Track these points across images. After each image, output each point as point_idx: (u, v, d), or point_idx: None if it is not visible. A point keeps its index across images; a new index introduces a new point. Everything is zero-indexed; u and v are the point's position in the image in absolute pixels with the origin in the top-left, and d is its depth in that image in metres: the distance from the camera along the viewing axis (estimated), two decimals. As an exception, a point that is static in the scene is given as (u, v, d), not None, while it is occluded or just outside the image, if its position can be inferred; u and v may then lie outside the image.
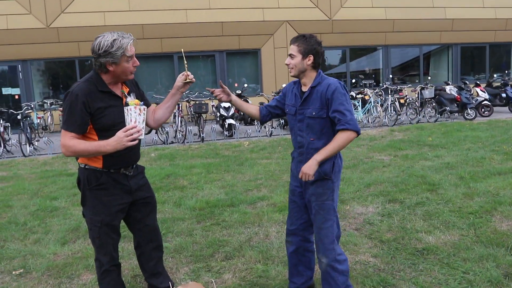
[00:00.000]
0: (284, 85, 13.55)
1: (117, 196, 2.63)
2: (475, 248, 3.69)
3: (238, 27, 15.52)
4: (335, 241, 2.82)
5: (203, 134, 10.48)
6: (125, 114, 2.51)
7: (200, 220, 4.75)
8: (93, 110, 2.47)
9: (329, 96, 2.70)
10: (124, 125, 2.50)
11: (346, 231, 4.23)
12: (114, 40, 2.43)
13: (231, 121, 11.01)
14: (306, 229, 2.96)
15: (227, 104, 11.40)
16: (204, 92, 14.81)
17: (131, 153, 2.64)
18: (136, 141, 2.45)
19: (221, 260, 3.72)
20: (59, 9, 14.25)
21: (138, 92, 2.78)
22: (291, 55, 2.77)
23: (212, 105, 13.62)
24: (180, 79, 2.81)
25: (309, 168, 2.64)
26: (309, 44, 2.74)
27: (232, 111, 11.36)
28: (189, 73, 2.83)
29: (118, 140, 2.39)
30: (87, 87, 2.50)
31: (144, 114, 2.52)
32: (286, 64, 2.81)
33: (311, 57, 2.75)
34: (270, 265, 3.57)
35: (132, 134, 2.40)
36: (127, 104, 2.54)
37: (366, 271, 3.41)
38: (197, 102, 11.28)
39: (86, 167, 2.60)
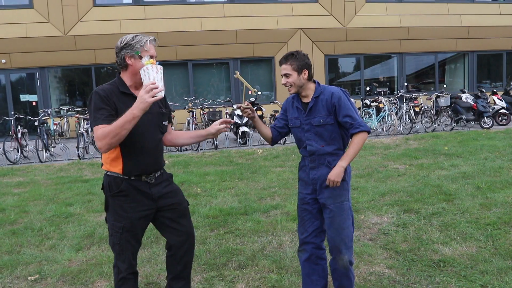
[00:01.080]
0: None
1: (139, 203, 2.63)
2: (493, 260, 3.62)
3: (252, 35, 15.59)
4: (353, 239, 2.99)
5: (217, 141, 10.51)
6: (142, 74, 2.47)
7: (214, 228, 4.75)
8: (114, 107, 2.51)
9: (336, 103, 2.84)
10: (143, 129, 2.53)
11: (360, 241, 4.18)
12: (136, 35, 2.60)
13: (245, 128, 11.03)
14: (318, 236, 3.00)
15: (240, 112, 11.42)
16: (218, 100, 14.89)
17: (151, 160, 2.64)
18: (159, 97, 2.41)
19: (235, 269, 3.71)
20: (77, 17, 14.50)
21: (164, 101, 2.80)
22: (286, 75, 2.86)
23: (226, 113, 13.65)
24: (216, 127, 2.82)
25: (337, 175, 2.77)
26: (301, 60, 2.86)
27: (245, 118, 11.36)
28: (246, 102, 2.90)
29: (140, 100, 2.36)
30: (108, 88, 2.58)
31: (161, 72, 2.49)
32: (283, 84, 2.90)
33: (306, 71, 2.88)
34: (283, 274, 3.55)
35: (152, 90, 2.37)
36: (142, 65, 2.53)
37: (381, 282, 3.37)
38: (211, 110, 11.35)
39: (108, 173, 2.63)
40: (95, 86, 15.35)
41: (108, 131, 2.38)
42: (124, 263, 2.67)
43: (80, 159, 9.73)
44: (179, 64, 15.69)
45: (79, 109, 14.45)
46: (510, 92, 15.28)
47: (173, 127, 2.95)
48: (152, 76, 2.44)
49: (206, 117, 12.20)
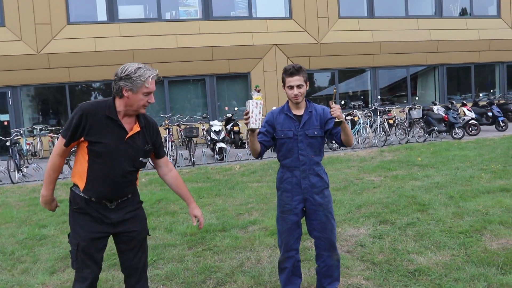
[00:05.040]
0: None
1: (94, 224, 2.56)
2: (466, 268, 3.70)
3: (228, 51, 15.72)
4: None
5: (194, 158, 10.47)
6: (249, 105, 2.84)
7: (192, 246, 4.71)
8: (88, 130, 2.46)
9: (328, 115, 3.14)
10: (114, 157, 2.52)
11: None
12: (139, 68, 2.49)
13: (222, 144, 11.03)
14: (299, 242, 3.28)
15: (217, 128, 11.44)
16: (195, 116, 14.88)
17: (112, 189, 2.55)
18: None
19: (213, 287, 3.68)
20: (50, 35, 14.35)
21: (156, 139, 2.73)
22: (299, 86, 3.05)
23: (203, 129, 13.66)
24: (194, 213, 2.88)
25: (341, 111, 2.96)
26: (306, 73, 3.12)
27: (222, 134, 11.39)
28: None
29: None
30: (94, 107, 2.50)
31: (260, 107, 2.86)
32: (295, 95, 3.06)
33: (308, 83, 3.17)
34: (262, 290, 3.54)
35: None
36: (251, 97, 2.90)
37: (358, 294, 3.40)
38: (187, 126, 11.32)
39: (73, 188, 2.60)
40: (69, 105, 15.15)
41: (47, 167, 2.57)
42: (81, 284, 2.56)
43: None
44: (155, 81, 15.61)
45: (53, 128, 14.20)
46: (479, 103, 15.79)
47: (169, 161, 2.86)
48: (251, 109, 2.83)
49: (183, 133, 12.16)
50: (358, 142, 12.29)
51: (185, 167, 10.32)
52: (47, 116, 15.85)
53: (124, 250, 2.70)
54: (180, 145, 14.07)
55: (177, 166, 10.32)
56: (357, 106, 14.35)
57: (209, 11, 15.76)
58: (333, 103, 2.95)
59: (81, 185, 2.54)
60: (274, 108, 3.30)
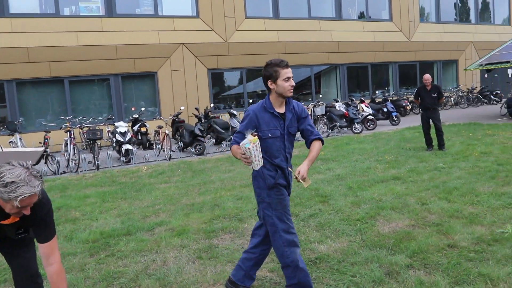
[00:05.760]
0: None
1: None
2: (361, 252, 3.97)
3: (133, 50, 15.18)
4: None
5: (98, 161, 9.96)
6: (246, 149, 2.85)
7: (94, 253, 4.48)
8: None
9: (303, 114, 3.17)
10: None
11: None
12: (12, 182, 2.13)
13: (128, 146, 10.63)
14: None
15: (123, 129, 11.00)
16: (100, 118, 14.16)
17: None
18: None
19: (115, 293, 3.53)
20: None
21: (40, 225, 2.46)
22: (292, 78, 3.02)
23: (108, 131, 13.06)
24: None
25: (306, 172, 3.00)
26: None
27: (129, 135, 10.97)
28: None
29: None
30: None
31: (259, 146, 2.89)
32: (292, 86, 3.02)
33: None
34: (167, 292, 3.48)
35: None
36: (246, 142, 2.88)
37: (263, 286, 3.48)
38: (90, 128, 10.74)
39: None
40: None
41: None
42: None
43: None
44: (54, 81, 14.60)
45: None
46: (376, 100, 17.06)
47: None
48: (252, 154, 2.85)
49: (85, 136, 11.51)
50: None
51: (89, 171, 9.78)
52: None
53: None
54: (84, 148, 13.31)
55: (80, 171, 9.75)
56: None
57: (112, 8, 15.08)
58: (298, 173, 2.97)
59: None
60: (251, 106, 3.15)
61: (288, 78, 2.98)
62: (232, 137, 3.13)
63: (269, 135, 3.02)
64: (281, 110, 3.08)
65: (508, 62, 14.86)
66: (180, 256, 4.18)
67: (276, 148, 3.07)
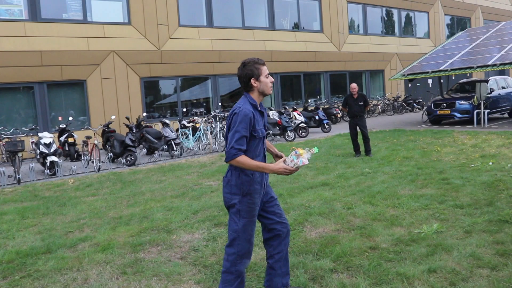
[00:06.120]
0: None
1: None
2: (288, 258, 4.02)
3: (60, 56, 14.47)
4: None
5: (19, 175, 9.32)
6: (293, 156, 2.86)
7: (7, 275, 4.16)
8: None
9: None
10: None
11: (171, 261, 4.19)
12: None
13: (53, 158, 10.06)
14: None
15: (48, 140, 10.41)
16: (23, 128, 13.31)
17: None
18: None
19: (29, 317, 3.30)
20: None
21: None
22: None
23: (32, 142, 12.30)
24: None
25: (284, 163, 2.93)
26: None
27: (54, 147, 10.39)
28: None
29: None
30: None
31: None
32: (272, 82, 3.03)
33: None
34: (86, 311, 3.30)
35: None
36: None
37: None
38: (11, 140, 10.05)
39: None
40: None
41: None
42: None
43: None
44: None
45: None
46: (308, 108, 17.54)
47: None
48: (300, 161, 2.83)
49: (5, 148, 10.76)
50: (199, 148, 12.49)
51: (9, 185, 9.13)
52: None
53: None
54: (4, 161, 12.43)
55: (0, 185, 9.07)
56: (198, 113, 14.59)
57: (37, 12, 14.28)
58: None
59: None
60: (241, 106, 2.92)
61: (268, 75, 3.00)
62: (232, 145, 2.80)
63: (261, 134, 2.97)
64: (260, 108, 3.08)
65: (427, 72, 15.93)
66: (103, 272, 4.00)
67: (259, 148, 3.02)
